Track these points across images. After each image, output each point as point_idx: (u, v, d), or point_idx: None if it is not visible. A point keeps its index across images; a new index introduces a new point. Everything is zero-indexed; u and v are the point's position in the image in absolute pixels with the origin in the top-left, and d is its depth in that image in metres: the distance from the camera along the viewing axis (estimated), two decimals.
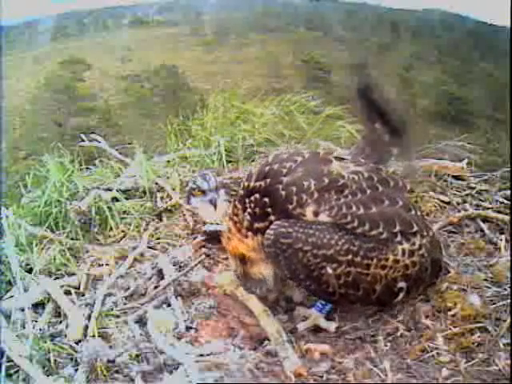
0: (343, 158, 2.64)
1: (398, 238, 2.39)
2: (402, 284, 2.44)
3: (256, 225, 2.43)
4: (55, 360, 2.36)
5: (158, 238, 3.37)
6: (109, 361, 2.31)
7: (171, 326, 2.55)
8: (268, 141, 4.68)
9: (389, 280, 2.40)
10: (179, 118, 5.11)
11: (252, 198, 2.44)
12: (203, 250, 3.22)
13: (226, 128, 4.75)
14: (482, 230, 3.31)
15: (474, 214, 3.44)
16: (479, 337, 2.36)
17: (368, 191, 2.42)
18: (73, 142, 5.43)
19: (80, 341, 2.44)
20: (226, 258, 2.99)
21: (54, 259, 3.06)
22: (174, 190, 3.83)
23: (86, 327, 2.50)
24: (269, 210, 2.39)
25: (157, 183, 3.89)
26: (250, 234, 2.46)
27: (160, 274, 2.92)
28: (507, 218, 3.34)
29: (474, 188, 3.82)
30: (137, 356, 2.36)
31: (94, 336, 2.44)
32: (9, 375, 2.32)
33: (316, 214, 2.35)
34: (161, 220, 3.61)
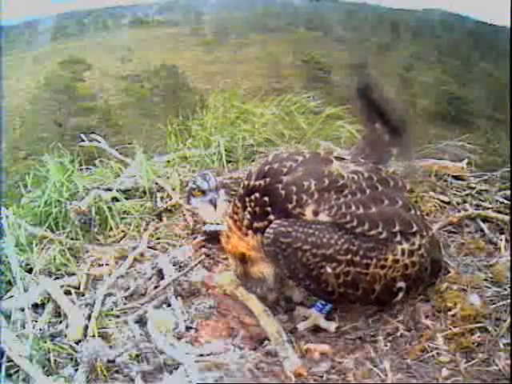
0: (343, 158, 2.64)
1: (398, 238, 2.39)
2: (401, 284, 2.44)
3: (255, 224, 2.43)
4: (55, 360, 2.36)
5: (158, 238, 3.37)
6: (109, 361, 2.31)
7: (171, 325, 2.55)
8: (268, 141, 4.68)
9: (388, 280, 2.40)
10: (179, 118, 5.11)
11: (252, 197, 2.44)
12: (203, 250, 3.22)
13: (226, 128, 4.75)
14: (482, 230, 3.31)
15: (474, 214, 3.44)
16: (479, 337, 2.36)
17: (368, 191, 2.42)
18: (73, 142, 5.43)
19: (80, 341, 2.44)
20: (226, 258, 2.99)
21: (54, 259, 3.06)
22: (174, 189, 3.83)
23: (86, 327, 2.50)
24: (268, 209, 2.39)
25: (157, 183, 3.89)
26: (250, 232, 2.46)
27: (160, 274, 2.92)
28: (507, 218, 3.34)
29: (474, 188, 3.82)
30: (137, 356, 2.36)
31: (94, 336, 2.44)
32: (9, 375, 2.32)
33: (315, 213, 2.35)
34: (161, 220, 3.61)
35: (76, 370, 2.31)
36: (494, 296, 2.62)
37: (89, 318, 2.56)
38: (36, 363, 2.32)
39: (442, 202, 3.65)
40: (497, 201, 3.67)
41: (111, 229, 3.45)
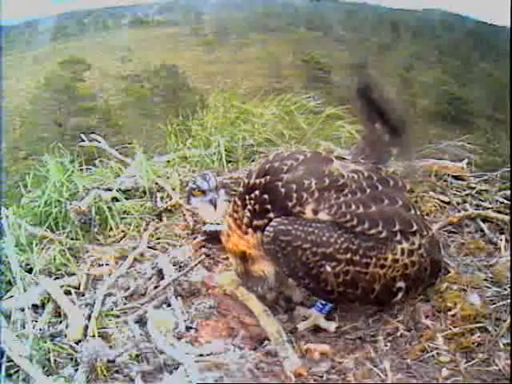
0: (344, 158, 2.64)
1: (398, 238, 2.39)
2: (400, 284, 2.44)
3: (255, 222, 2.43)
4: (55, 360, 2.36)
5: (158, 238, 3.36)
6: (109, 361, 2.31)
7: (171, 325, 2.55)
8: (268, 141, 4.67)
9: (388, 279, 2.40)
10: (179, 118, 5.10)
11: (252, 195, 2.44)
12: (203, 250, 3.22)
13: (226, 128, 4.75)
14: (482, 230, 3.31)
15: (474, 214, 3.44)
16: (479, 337, 2.36)
17: (368, 190, 2.42)
18: (73, 142, 5.44)
19: (80, 341, 2.44)
20: (226, 258, 2.99)
21: (54, 259, 3.05)
22: (174, 189, 3.83)
23: (86, 327, 2.49)
24: (268, 206, 2.39)
25: (157, 183, 3.88)
26: (249, 230, 2.46)
27: (160, 274, 2.92)
28: (507, 217, 3.34)
29: (474, 188, 3.81)
30: (137, 356, 2.36)
31: (94, 336, 2.43)
32: (9, 375, 2.31)
33: (315, 212, 2.35)
34: (161, 220, 3.61)
35: (76, 370, 2.30)
36: (494, 296, 2.61)
37: (89, 318, 2.56)
38: (36, 363, 2.32)
39: (442, 201, 3.65)
40: (497, 201, 3.67)
41: (111, 229, 3.44)
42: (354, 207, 2.35)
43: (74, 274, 2.96)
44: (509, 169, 3.94)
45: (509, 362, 2.21)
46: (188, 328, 2.57)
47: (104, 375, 2.27)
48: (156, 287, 2.83)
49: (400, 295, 2.47)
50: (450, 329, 2.43)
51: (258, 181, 2.45)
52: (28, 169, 4.00)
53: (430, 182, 3.80)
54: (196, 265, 2.92)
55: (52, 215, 3.42)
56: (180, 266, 2.95)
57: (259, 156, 4.41)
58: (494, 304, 2.54)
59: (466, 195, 3.75)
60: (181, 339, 2.48)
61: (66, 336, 2.49)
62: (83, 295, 2.82)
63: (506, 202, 3.62)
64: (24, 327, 2.55)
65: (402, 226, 2.40)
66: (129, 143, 4.83)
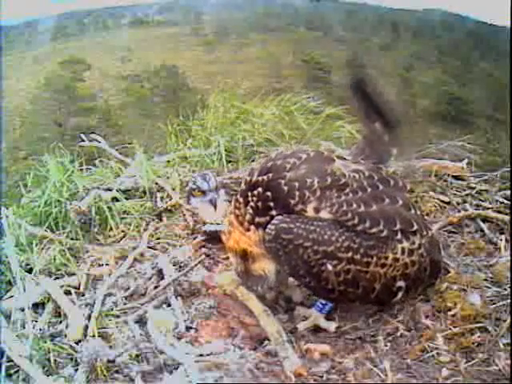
0: (344, 158, 2.64)
1: (398, 237, 2.39)
2: (400, 283, 2.44)
3: (257, 219, 2.43)
4: (55, 360, 2.36)
5: (158, 238, 3.36)
6: (109, 361, 2.31)
7: (171, 325, 2.55)
8: (268, 141, 4.67)
9: (388, 279, 2.40)
10: (179, 118, 5.10)
11: (255, 192, 2.43)
12: (203, 250, 3.22)
13: (226, 128, 4.75)
14: (482, 230, 3.31)
15: (474, 214, 3.44)
16: (479, 337, 2.36)
17: (368, 189, 2.43)
18: (73, 142, 5.44)
19: (80, 341, 2.43)
20: (226, 258, 2.99)
21: (54, 259, 3.05)
22: (174, 189, 3.83)
23: (86, 327, 2.49)
24: (271, 204, 2.39)
25: (157, 183, 3.88)
26: (252, 227, 2.45)
27: (160, 274, 2.92)
28: (507, 217, 3.34)
29: (474, 188, 3.81)
30: (137, 356, 2.36)
31: (94, 336, 2.43)
32: (9, 375, 2.31)
33: (317, 210, 2.35)
34: (161, 220, 3.61)
35: (76, 370, 2.30)
36: (494, 296, 2.61)
37: (89, 318, 2.56)
38: (36, 363, 2.32)
39: (442, 201, 3.65)
40: (497, 201, 3.67)
41: (111, 229, 3.44)
42: (355, 206, 2.36)
43: (74, 274, 2.96)
44: (509, 169, 3.94)
45: (509, 361, 2.21)
46: (188, 328, 2.56)
47: (104, 375, 2.27)
48: (156, 287, 2.83)
49: (400, 295, 2.47)
50: (450, 329, 2.43)
51: (260, 178, 2.45)
52: (28, 169, 4.00)
53: (430, 181, 3.80)
54: (196, 265, 2.92)
55: (52, 215, 3.42)
56: (180, 266, 2.95)
57: (259, 156, 4.41)
58: (494, 304, 2.54)
59: (466, 195, 3.74)
60: (181, 339, 2.48)
61: (65, 336, 2.49)
62: (83, 295, 2.82)
63: (506, 201, 3.62)
64: (24, 327, 2.54)
65: (402, 225, 2.40)
66: (129, 143, 4.83)
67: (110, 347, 2.40)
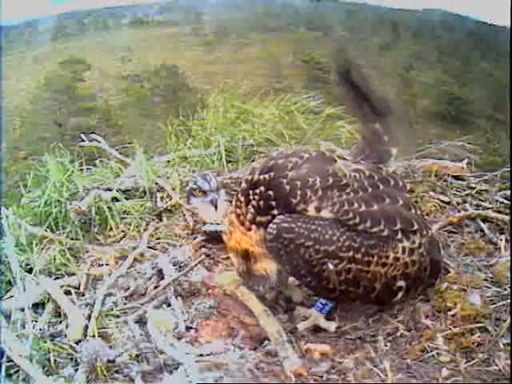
0: (345, 158, 2.64)
1: (399, 236, 2.40)
2: (401, 283, 2.44)
3: (259, 218, 2.42)
4: (55, 360, 2.36)
5: (158, 238, 3.36)
6: (109, 361, 2.31)
7: (171, 325, 2.55)
8: (268, 141, 4.68)
9: (388, 278, 2.40)
10: (179, 118, 5.11)
11: (257, 191, 2.43)
12: (203, 250, 3.22)
13: (226, 128, 4.75)
14: (482, 230, 3.31)
15: (474, 214, 3.44)
16: (479, 337, 2.36)
17: (369, 189, 2.43)
18: (73, 142, 5.44)
19: (80, 341, 2.44)
20: (226, 258, 2.99)
21: (54, 259, 3.05)
22: (174, 189, 3.83)
23: (86, 327, 2.49)
24: (272, 203, 2.39)
25: (157, 183, 3.88)
26: (253, 227, 2.45)
27: (160, 274, 2.92)
28: (507, 218, 3.34)
29: (474, 188, 3.81)
30: (137, 356, 2.36)
31: (94, 336, 2.43)
32: (9, 375, 2.31)
33: (318, 209, 2.35)
34: (161, 220, 3.61)
35: (76, 370, 2.31)
36: (494, 296, 2.61)
37: (89, 318, 2.56)
38: (36, 363, 2.32)
39: (442, 201, 3.65)
40: (497, 201, 3.67)
41: (111, 229, 3.44)
42: (356, 205, 2.36)
43: (74, 274, 2.96)
44: (509, 169, 3.94)
45: (509, 361, 2.21)
46: (188, 328, 2.57)
47: (104, 375, 2.27)
48: (156, 287, 2.83)
49: (400, 294, 2.48)
50: (450, 329, 2.43)
51: (262, 177, 2.45)
52: (28, 169, 4.00)
53: (430, 181, 3.80)
54: (196, 265, 2.92)
55: (52, 215, 3.42)
56: (180, 266, 2.95)
57: (259, 156, 4.41)
58: (494, 304, 2.54)
59: (466, 195, 3.74)
60: (181, 339, 2.48)
61: (66, 336, 2.49)
62: (83, 295, 2.82)
63: (506, 201, 3.62)
64: (24, 327, 2.55)
65: (402, 224, 2.41)
66: (129, 143, 4.83)
67: (110, 347, 2.40)
